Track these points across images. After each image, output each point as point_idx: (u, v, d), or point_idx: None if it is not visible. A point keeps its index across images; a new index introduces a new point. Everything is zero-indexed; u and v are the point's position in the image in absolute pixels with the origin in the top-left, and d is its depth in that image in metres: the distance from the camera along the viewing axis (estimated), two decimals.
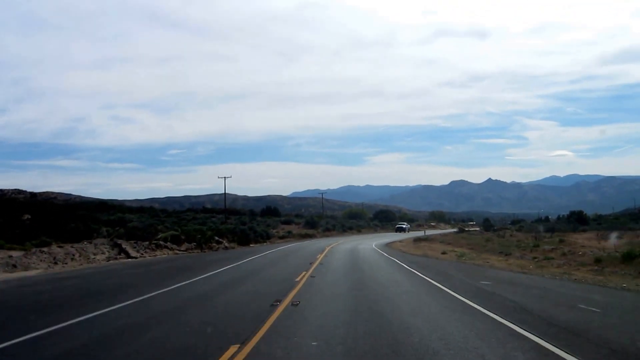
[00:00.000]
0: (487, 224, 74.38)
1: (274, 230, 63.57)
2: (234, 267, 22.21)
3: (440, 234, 62.02)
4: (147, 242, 34.39)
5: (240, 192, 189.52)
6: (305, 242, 52.58)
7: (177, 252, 35.24)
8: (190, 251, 36.18)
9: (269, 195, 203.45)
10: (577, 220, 69.93)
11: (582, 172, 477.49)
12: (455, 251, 31.66)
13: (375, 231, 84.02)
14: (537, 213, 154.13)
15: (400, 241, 50.64)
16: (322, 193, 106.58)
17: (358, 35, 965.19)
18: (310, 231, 68.48)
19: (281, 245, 44.49)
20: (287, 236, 60.43)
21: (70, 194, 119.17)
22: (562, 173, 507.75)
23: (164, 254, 33.88)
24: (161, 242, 35.25)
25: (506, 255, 26.56)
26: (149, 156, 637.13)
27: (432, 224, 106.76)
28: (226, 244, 41.93)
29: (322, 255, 28.57)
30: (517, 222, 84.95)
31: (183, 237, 37.68)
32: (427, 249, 35.74)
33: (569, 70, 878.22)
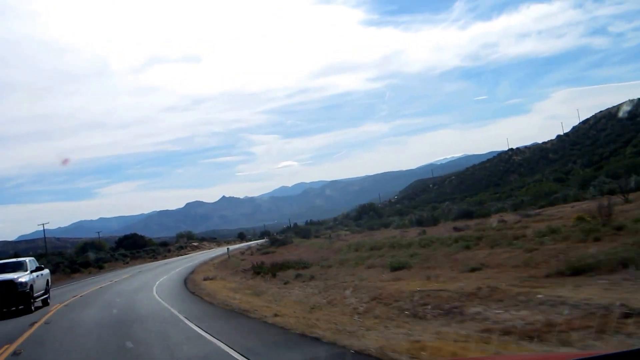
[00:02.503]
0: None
1: None
2: None
3: (245, 249, 39.40)
4: None
5: None
6: None
7: None
8: None
9: None
10: (376, 215, 65.45)
11: (307, 180, 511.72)
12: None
13: (126, 264, 53.93)
14: (288, 222, 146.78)
15: (201, 276, 26.09)
16: (43, 224, 75.12)
17: (67, 69, 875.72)
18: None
19: None
20: None
21: None
22: (289, 183, 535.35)
23: None
24: None
25: None
26: None
27: (195, 244, 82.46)
28: None
29: None
30: (268, 233, 79.90)
31: None
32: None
33: (285, 86, 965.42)
